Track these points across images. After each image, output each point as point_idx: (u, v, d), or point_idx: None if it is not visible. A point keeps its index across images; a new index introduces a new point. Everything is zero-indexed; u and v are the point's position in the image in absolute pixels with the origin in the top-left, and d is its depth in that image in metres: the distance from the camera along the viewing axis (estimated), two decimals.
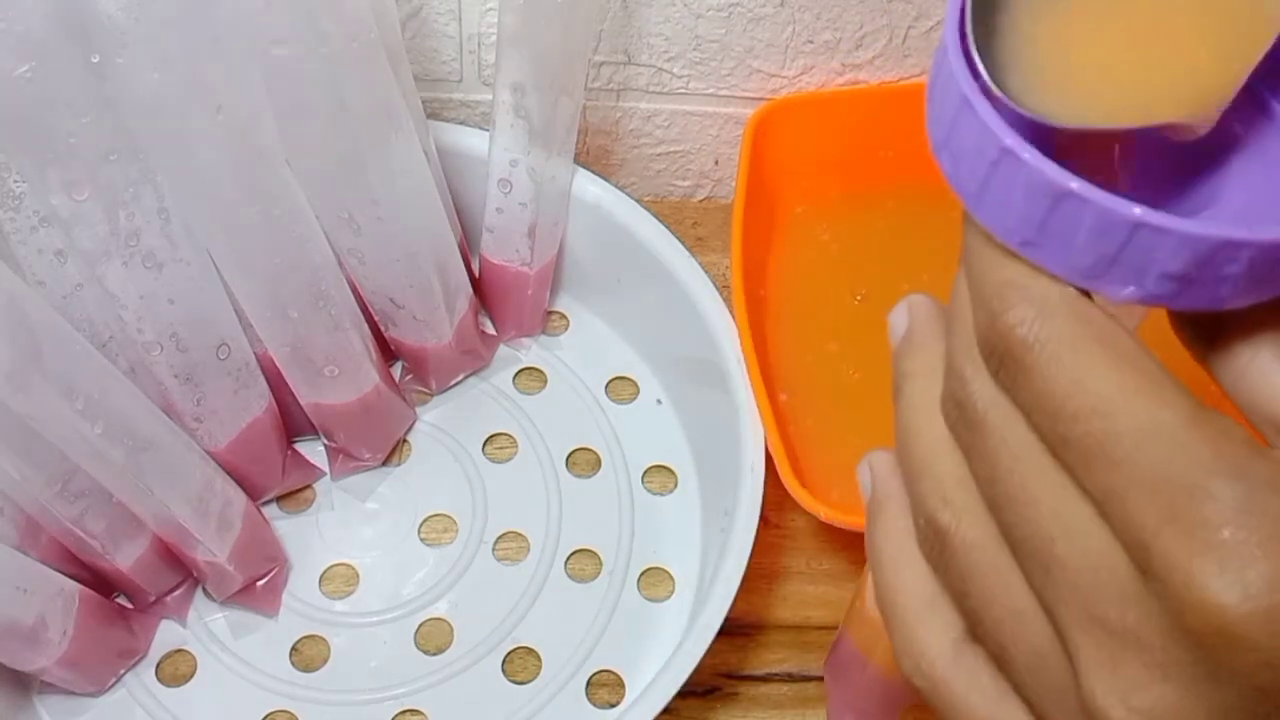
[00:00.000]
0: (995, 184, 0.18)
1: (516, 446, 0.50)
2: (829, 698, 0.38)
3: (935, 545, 0.21)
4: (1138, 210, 0.17)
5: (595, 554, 0.47)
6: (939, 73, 0.19)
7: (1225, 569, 0.16)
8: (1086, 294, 0.19)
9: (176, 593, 0.44)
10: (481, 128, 0.50)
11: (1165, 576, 0.17)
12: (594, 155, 0.58)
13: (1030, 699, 0.20)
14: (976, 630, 0.21)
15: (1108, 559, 0.18)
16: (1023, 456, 0.19)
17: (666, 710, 0.36)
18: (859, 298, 0.52)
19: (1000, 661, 0.20)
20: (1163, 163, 0.21)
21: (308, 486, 0.48)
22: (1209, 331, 0.19)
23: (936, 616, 0.22)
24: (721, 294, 0.47)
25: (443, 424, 0.50)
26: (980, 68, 0.19)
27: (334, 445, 0.48)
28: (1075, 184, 0.17)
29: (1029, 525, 0.19)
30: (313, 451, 0.49)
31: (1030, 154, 0.17)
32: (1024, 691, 0.20)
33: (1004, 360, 0.19)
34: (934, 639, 0.21)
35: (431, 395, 0.51)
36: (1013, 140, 0.18)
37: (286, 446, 0.48)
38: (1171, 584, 0.17)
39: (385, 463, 0.49)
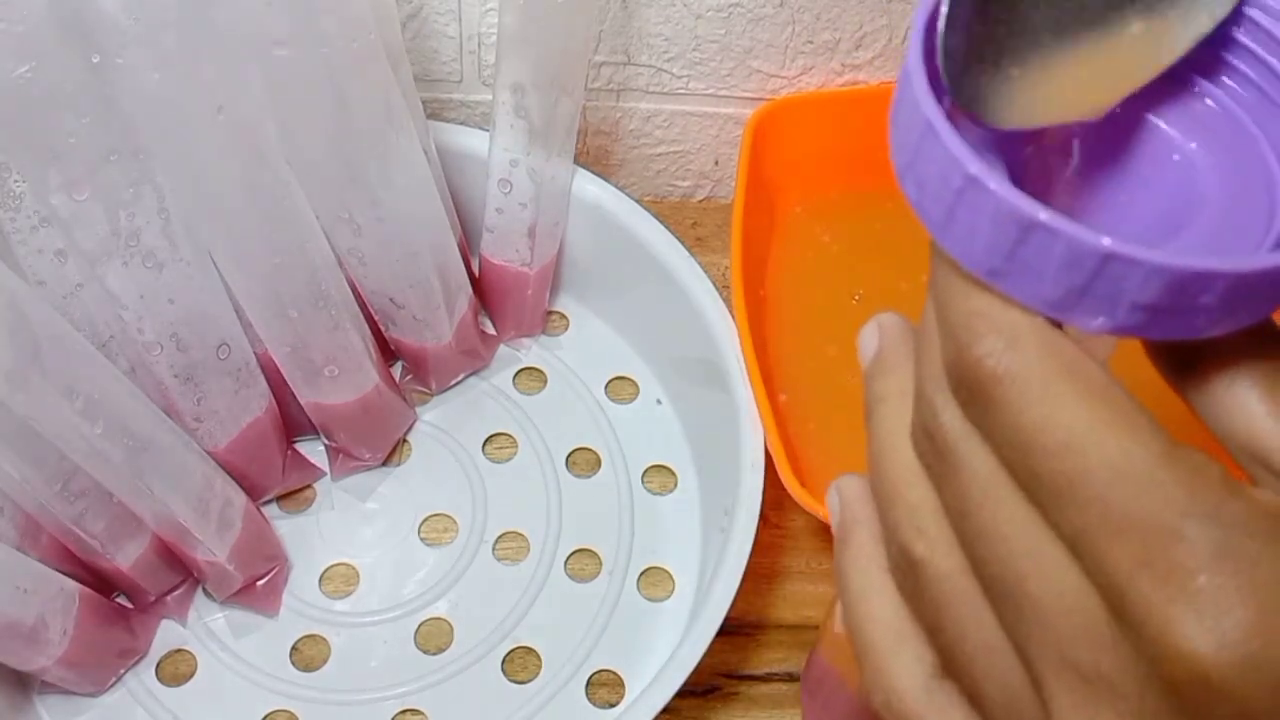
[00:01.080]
0: (961, 212, 0.18)
1: (516, 446, 0.50)
2: (805, 716, 0.38)
3: (908, 576, 0.20)
4: (1107, 241, 0.16)
5: (595, 554, 0.47)
6: (902, 96, 0.19)
7: (1202, 617, 0.16)
8: (1057, 324, 0.18)
9: (176, 592, 0.44)
10: (481, 128, 0.50)
11: (1140, 623, 0.16)
12: (594, 155, 0.58)
13: None
14: (949, 665, 0.20)
15: (1081, 601, 0.17)
16: (994, 492, 0.18)
17: (666, 710, 0.36)
18: (857, 298, 0.52)
19: (973, 698, 0.20)
20: (1132, 186, 0.21)
21: (308, 486, 0.48)
22: (1184, 360, 0.19)
23: (908, 650, 0.21)
24: (721, 294, 0.47)
25: (443, 424, 0.51)
26: (946, 87, 0.18)
27: (334, 445, 0.48)
28: (1044, 214, 0.17)
29: (1000, 563, 0.18)
30: (313, 451, 0.49)
31: (997, 183, 0.17)
32: None
33: (972, 392, 0.18)
34: (905, 673, 0.21)
35: (431, 395, 0.51)
36: (978, 168, 0.17)
37: (286, 446, 0.48)
38: (1147, 631, 0.16)
39: (385, 463, 0.49)
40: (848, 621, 0.22)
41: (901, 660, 0.21)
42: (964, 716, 0.20)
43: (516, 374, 0.52)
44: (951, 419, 0.19)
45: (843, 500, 0.23)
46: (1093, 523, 0.17)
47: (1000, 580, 0.18)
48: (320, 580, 0.46)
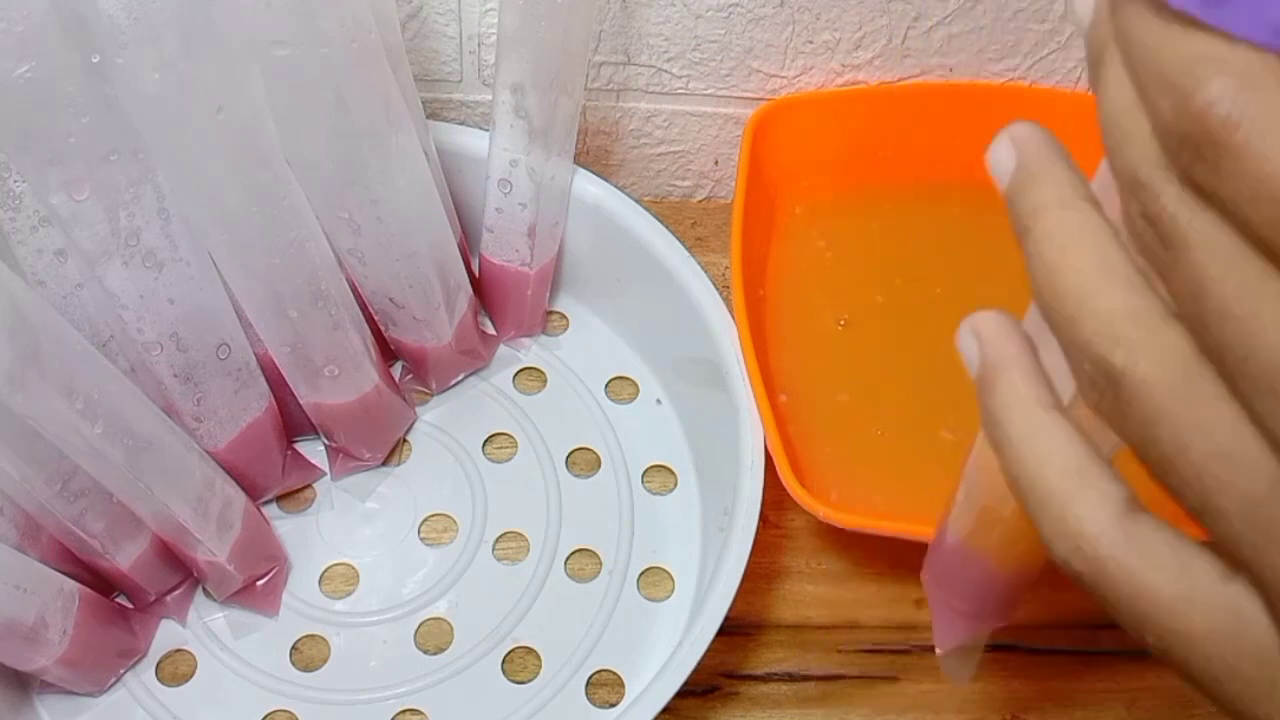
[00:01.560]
0: None
1: (516, 446, 0.50)
2: (933, 609, 0.34)
3: (1106, 393, 0.18)
4: None
5: (595, 554, 0.47)
6: None
7: None
8: None
9: (176, 592, 0.44)
10: (481, 128, 0.50)
11: None
12: (594, 155, 0.58)
13: (1243, 552, 0.17)
14: (1169, 481, 0.18)
15: None
16: (1236, 263, 0.16)
17: (666, 710, 0.36)
18: (842, 323, 0.52)
19: (1201, 514, 0.17)
20: None
21: (308, 486, 0.48)
22: None
23: (1091, 489, 0.19)
24: (721, 294, 0.47)
25: (443, 424, 0.51)
26: None
27: (334, 445, 0.48)
28: None
29: (1249, 341, 0.16)
30: (313, 451, 0.49)
31: None
32: (1234, 545, 0.17)
33: (1200, 148, 0.16)
34: (1093, 514, 0.19)
35: (431, 395, 0.51)
36: None
37: (286, 446, 0.48)
38: None
39: (385, 463, 0.49)
40: (1009, 471, 0.20)
41: (1088, 501, 0.19)
42: (1171, 549, 0.18)
43: (516, 374, 0.52)
44: (1175, 195, 0.17)
45: (983, 339, 0.21)
46: None
47: (1249, 361, 0.16)
48: (320, 580, 0.46)
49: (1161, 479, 0.18)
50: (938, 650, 0.32)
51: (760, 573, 0.46)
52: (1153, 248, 0.17)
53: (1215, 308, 0.16)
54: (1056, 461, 0.19)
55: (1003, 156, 0.20)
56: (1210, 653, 0.18)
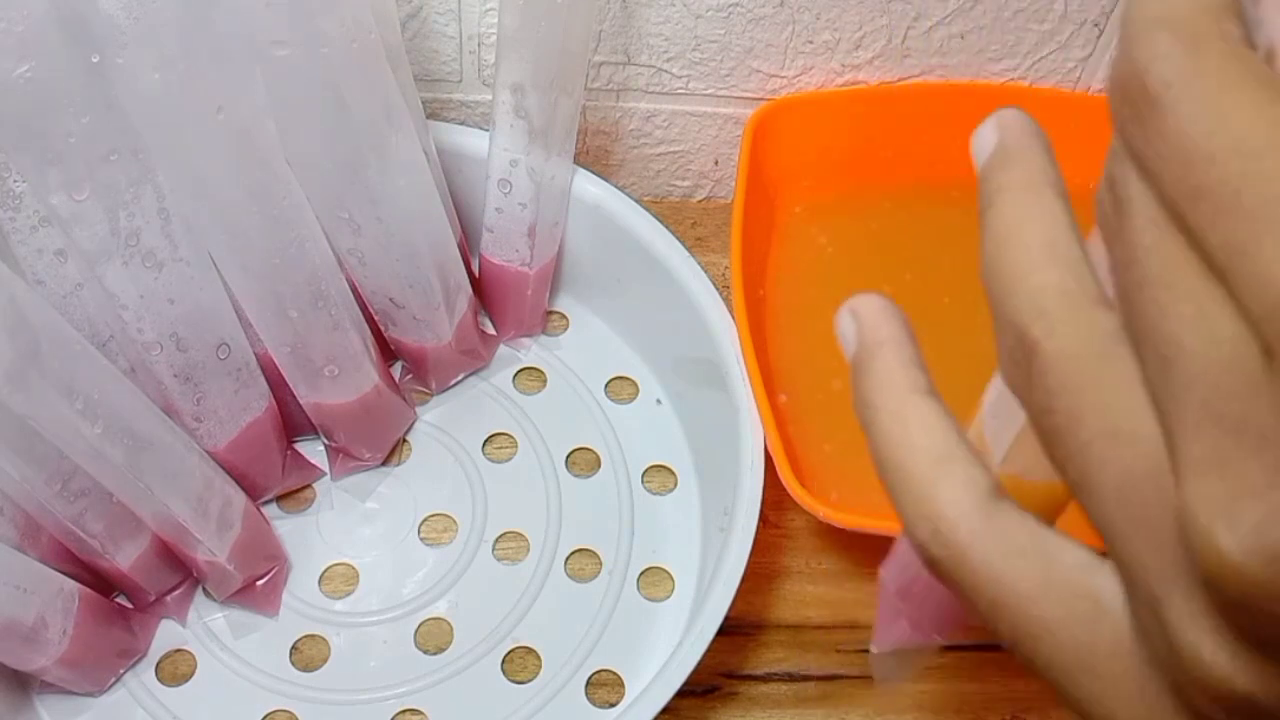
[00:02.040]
0: None
1: (516, 446, 0.50)
2: (880, 605, 0.35)
3: (1020, 363, 0.18)
4: None
5: (595, 554, 0.47)
6: None
7: None
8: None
9: (176, 592, 0.44)
10: (481, 128, 0.50)
11: None
12: (594, 155, 0.58)
13: (1111, 533, 0.17)
14: (1053, 454, 0.18)
15: (1238, 349, 0.15)
16: (1155, 232, 0.16)
17: (666, 710, 0.36)
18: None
19: (1077, 489, 0.18)
20: None
21: (308, 486, 0.48)
22: None
23: (956, 472, 0.19)
24: (721, 294, 0.47)
25: (443, 424, 0.51)
26: None
27: (334, 445, 0.48)
28: None
29: (1159, 311, 0.16)
30: (313, 451, 0.49)
31: None
32: (1103, 525, 0.17)
33: (1135, 107, 0.16)
34: (953, 497, 0.19)
35: (431, 395, 0.51)
36: None
37: (286, 446, 0.48)
38: None
39: (385, 462, 0.49)
40: (877, 452, 0.20)
41: (949, 484, 0.19)
42: (1030, 536, 0.18)
43: (516, 374, 0.52)
44: (1122, 161, 0.17)
45: (861, 320, 0.21)
46: (1250, 236, 0.15)
47: (1156, 332, 0.16)
48: (320, 580, 0.46)
49: (1048, 449, 0.18)
50: (872, 648, 0.32)
51: (760, 573, 0.46)
52: (1109, 219, 0.17)
53: (1138, 275, 0.16)
54: (922, 444, 0.19)
55: (986, 137, 0.20)
56: (1063, 642, 0.18)
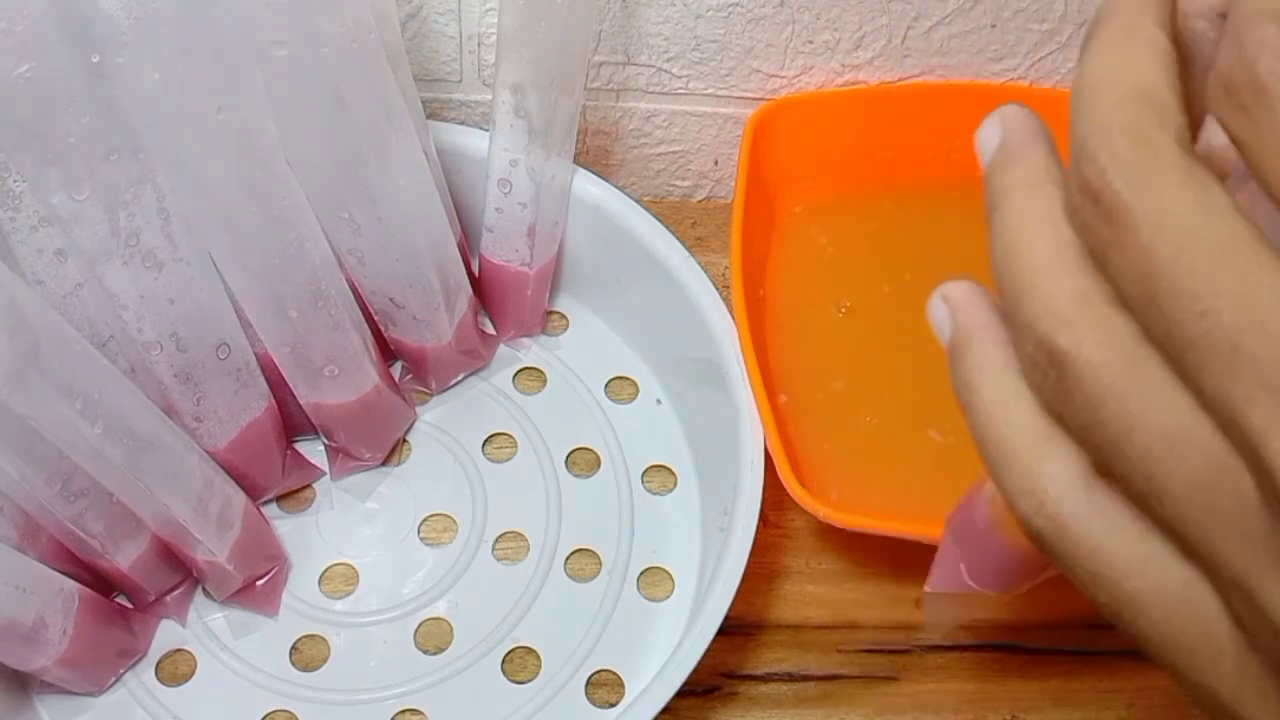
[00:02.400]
0: None
1: (516, 446, 0.50)
2: (940, 550, 0.35)
3: (1050, 374, 0.18)
4: None
5: (595, 554, 0.47)
6: None
7: None
8: None
9: (176, 592, 0.44)
10: (481, 128, 0.50)
11: None
12: (594, 155, 0.58)
13: (1190, 532, 0.17)
14: (1115, 465, 0.18)
15: None
16: (1191, 242, 0.16)
17: (666, 710, 0.36)
18: (842, 310, 0.52)
19: (1145, 499, 0.18)
20: None
21: (308, 486, 0.48)
22: None
23: (1057, 450, 0.19)
24: (721, 294, 0.47)
25: (443, 424, 0.51)
26: None
27: (334, 445, 0.48)
28: None
29: (1206, 317, 0.16)
30: (313, 451, 0.49)
31: None
32: (1180, 525, 0.17)
33: (1241, 95, 0.16)
34: (1056, 474, 0.19)
35: (431, 395, 0.51)
36: None
37: (286, 446, 0.48)
38: None
39: (385, 462, 0.49)
40: (978, 433, 0.20)
41: (1051, 461, 0.19)
42: (1130, 517, 0.18)
43: (516, 374, 0.52)
44: (1122, 169, 0.17)
45: (954, 306, 0.21)
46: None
47: (1207, 337, 0.16)
48: (320, 580, 0.46)
49: (1107, 463, 0.18)
50: (926, 587, 0.32)
51: (760, 573, 0.46)
52: (1092, 224, 0.17)
53: (1168, 287, 0.16)
54: (1024, 423, 0.19)
55: (990, 135, 0.21)
56: (1159, 617, 0.18)
